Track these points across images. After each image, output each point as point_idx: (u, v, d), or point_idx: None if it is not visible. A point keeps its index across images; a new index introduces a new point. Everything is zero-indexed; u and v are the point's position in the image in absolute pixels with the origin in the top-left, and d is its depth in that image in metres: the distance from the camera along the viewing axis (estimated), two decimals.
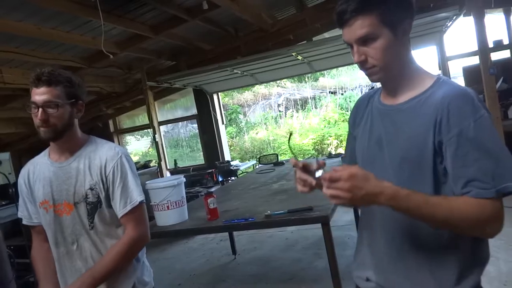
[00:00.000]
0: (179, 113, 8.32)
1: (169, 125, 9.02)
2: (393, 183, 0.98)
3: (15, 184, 5.71)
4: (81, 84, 1.55)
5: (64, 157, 1.53)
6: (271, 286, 3.66)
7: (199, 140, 8.33)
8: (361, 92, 12.91)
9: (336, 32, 6.34)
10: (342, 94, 13.34)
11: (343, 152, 6.41)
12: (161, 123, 7.76)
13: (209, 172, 7.24)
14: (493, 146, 0.97)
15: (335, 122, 12.23)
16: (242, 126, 13.13)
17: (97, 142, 1.58)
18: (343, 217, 5.05)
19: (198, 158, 8.70)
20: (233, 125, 12.94)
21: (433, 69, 6.16)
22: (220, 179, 6.95)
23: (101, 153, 1.51)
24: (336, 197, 0.94)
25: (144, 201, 1.54)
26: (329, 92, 13.49)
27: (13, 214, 5.41)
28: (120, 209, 1.48)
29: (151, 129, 6.72)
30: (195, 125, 8.57)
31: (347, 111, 12.29)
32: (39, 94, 1.41)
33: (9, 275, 3.27)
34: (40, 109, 1.40)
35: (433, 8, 4.90)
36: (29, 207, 1.58)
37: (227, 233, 5.00)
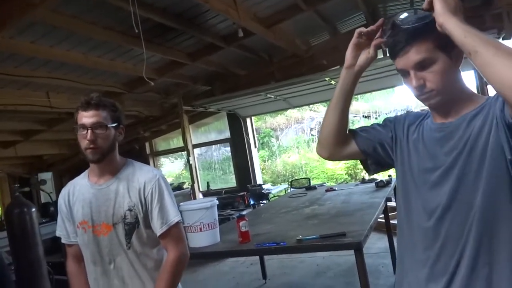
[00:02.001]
0: (213, 137, 8.50)
1: (202, 148, 9.21)
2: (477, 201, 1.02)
3: (55, 203, 5.97)
4: (121, 109, 1.65)
5: (103, 180, 1.61)
6: None
7: (231, 163, 8.44)
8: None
9: None
10: (376, 118, 13.17)
11: (376, 177, 6.27)
12: (195, 146, 7.94)
13: (240, 195, 7.28)
14: None
15: None
16: (274, 150, 13.17)
17: (134, 165, 1.66)
18: (376, 244, 4.92)
19: (230, 181, 8.79)
20: (266, 149, 13.01)
21: None
22: (252, 202, 6.96)
23: (139, 175, 1.59)
24: None
25: (181, 221, 1.60)
26: (363, 116, 13.37)
27: (53, 232, 5.61)
28: (158, 229, 1.55)
29: (185, 152, 6.88)
30: (228, 149, 8.71)
31: None
32: (88, 117, 1.51)
33: None
34: (89, 130, 1.50)
35: None
36: (68, 226, 1.66)
37: (257, 257, 4.97)
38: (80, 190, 1.63)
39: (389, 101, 13.61)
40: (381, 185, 4.40)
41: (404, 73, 1.10)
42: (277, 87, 6.03)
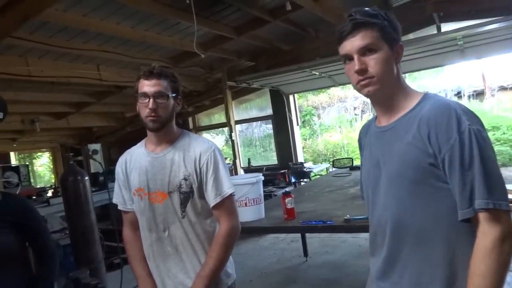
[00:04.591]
0: (254, 113, 8.47)
1: (243, 124, 9.22)
2: (393, 203, 1.12)
3: (104, 173, 6.23)
4: (179, 80, 1.65)
5: (160, 148, 1.61)
6: None
7: (272, 141, 8.41)
8: (446, 96, 12.10)
9: (421, 33, 6.01)
10: None
11: None
12: (237, 122, 7.95)
13: (281, 173, 7.27)
14: (474, 161, 0.99)
15: None
16: (315, 129, 12.99)
17: (190, 136, 1.66)
18: None
19: (271, 158, 8.79)
20: (307, 127, 12.85)
21: None
22: (293, 180, 6.94)
23: (195, 146, 1.59)
24: None
25: (234, 193, 1.59)
26: None
27: (103, 200, 5.89)
28: (211, 200, 1.54)
29: (227, 128, 6.90)
30: (269, 126, 8.67)
31: None
32: (150, 86, 1.51)
33: (99, 255, 3.58)
34: (151, 99, 1.50)
35: None
36: (125, 193, 1.69)
37: (298, 234, 4.97)
38: (137, 158, 1.65)
39: (438, 80, 12.95)
40: None
41: (348, 58, 1.14)
42: (323, 63, 5.86)
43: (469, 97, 11.69)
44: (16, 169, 5.05)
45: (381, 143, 1.18)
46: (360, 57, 1.10)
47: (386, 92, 1.14)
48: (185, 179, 1.55)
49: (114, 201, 1.74)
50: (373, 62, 1.10)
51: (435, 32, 5.66)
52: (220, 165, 1.57)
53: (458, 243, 1.05)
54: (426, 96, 1.14)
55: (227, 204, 1.56)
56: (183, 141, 1.61)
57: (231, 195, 1.58)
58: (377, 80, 1.11)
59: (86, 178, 3.47)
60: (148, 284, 1.60)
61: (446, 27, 5.76)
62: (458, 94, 11.98)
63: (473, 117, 1.04)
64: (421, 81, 13.21)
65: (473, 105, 12.05)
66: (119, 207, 1.72)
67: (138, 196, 1.61)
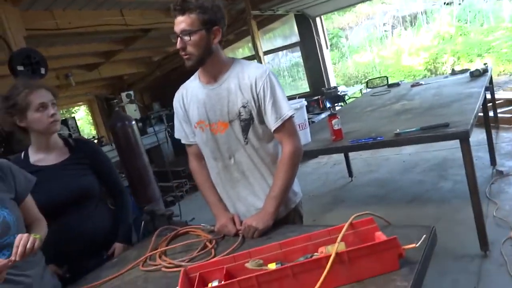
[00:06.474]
0: (279, 43, 8.23)
1: (269, 55, 9.01)
2: None
3: (142, 119, 6.36)
4: (216, 9, 1.52)
5: (213, 80, 1.61)
6: (393, 207, 3.66)
7: (300, 69, 8.23)
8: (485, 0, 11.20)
9: None
10: (459, 4, 11.69)
11: (466, 67, 5.75)
12: (265, 53, 7.77)
13: (315, 99, 7.21)
14: None
15: (451, 37, 10.89)
16: (344, 51, 12.54)
17: (242, 63, 1.64)
18: (472, 137, 4.70)
19: (301, 87, 8.68)
20: (335, 50, 12.41)
21: None
22: (328, 105, 6.87)
23: (249, 72, 1.57)
24: None
25: (294, 115, 1.60)
26: (444, 3, 11.91)
27: (146, 145, 6.12)
28: (272, 123, 1.56)
29: (255, 60, 6.77)
30: (296, 54, 8.43)
31: (466, 23, 10.83)
32: (177, 24, 1.48)
33: (157, 194, 3.79)
34: (178, 38, 1.48)
35: None
36: (185, 128, 1.74)
37: (340, 158, 5.05)
38: (193, 91, 1.67)
39: None
40: (476, 74, 4.08)
41: None
42: None
43: None
44: (64, 122, 5.26)
45: None
46: None
47: None
48: (244, 107, 1.56)
49: (177, 136, 1.79)
50: None
51: None
52: (277, 88, 1.56)
53: None
54: None
55: (288, 126, 1.58)
56: (236, 69, 1.60)
57: (291, 117, 1.59)
58: None
59: (133, 122, 3.59)
60: (221, 208, 1.70)
61: None
62: None
63: None
64: None
65: None
66: (182, 141, 1.78)
67: (200, 129, 1.66)
